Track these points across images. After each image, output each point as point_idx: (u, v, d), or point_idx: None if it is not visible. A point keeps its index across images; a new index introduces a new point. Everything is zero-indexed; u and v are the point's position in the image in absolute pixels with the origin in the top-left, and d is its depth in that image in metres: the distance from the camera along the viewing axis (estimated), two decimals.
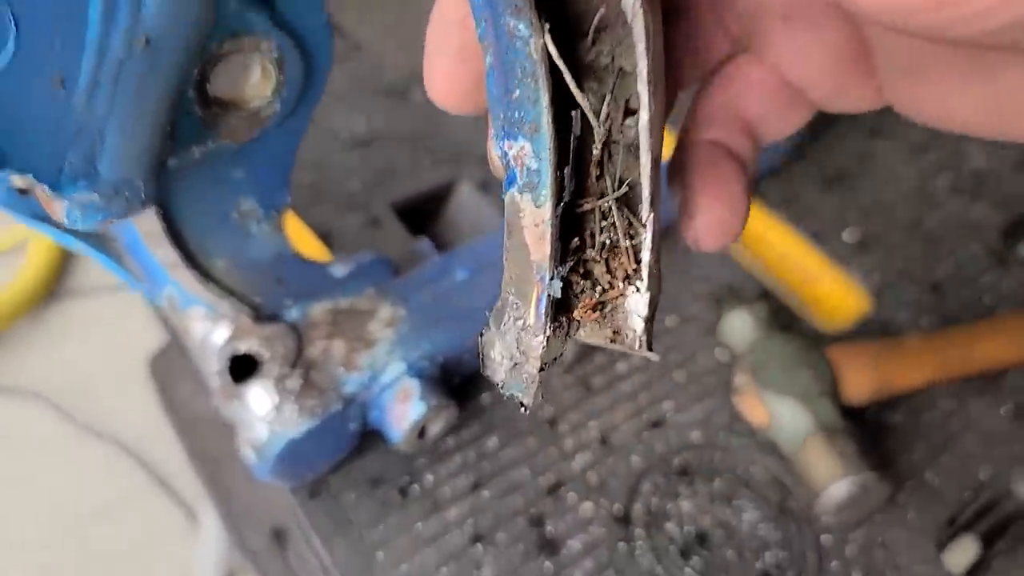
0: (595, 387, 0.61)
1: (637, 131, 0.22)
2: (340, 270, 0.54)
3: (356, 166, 0.71)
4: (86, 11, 0.30)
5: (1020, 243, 0.77)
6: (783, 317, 0.66)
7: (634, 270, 0.23)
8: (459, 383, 0.58)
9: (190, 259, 0.46)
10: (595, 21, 0.21)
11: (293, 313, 0.53)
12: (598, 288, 0.23)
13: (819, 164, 0.81)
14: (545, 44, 0.20)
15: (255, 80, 0.41)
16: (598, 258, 0.23)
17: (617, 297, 0.23)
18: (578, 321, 0.23)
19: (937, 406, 0.63)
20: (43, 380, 1.38)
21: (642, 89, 0.21)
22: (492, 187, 0.71)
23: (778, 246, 0.73)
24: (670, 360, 0.63)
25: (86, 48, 0.31)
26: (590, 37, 0.21)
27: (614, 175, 0.23)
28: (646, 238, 0.22)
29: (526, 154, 0.21)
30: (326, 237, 0.65)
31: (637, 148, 0.22)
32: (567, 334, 0.23)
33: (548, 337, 0.23)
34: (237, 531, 0.75)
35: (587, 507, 0.55)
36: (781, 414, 0.57)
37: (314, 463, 0.52)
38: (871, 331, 0.67)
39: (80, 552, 1.25)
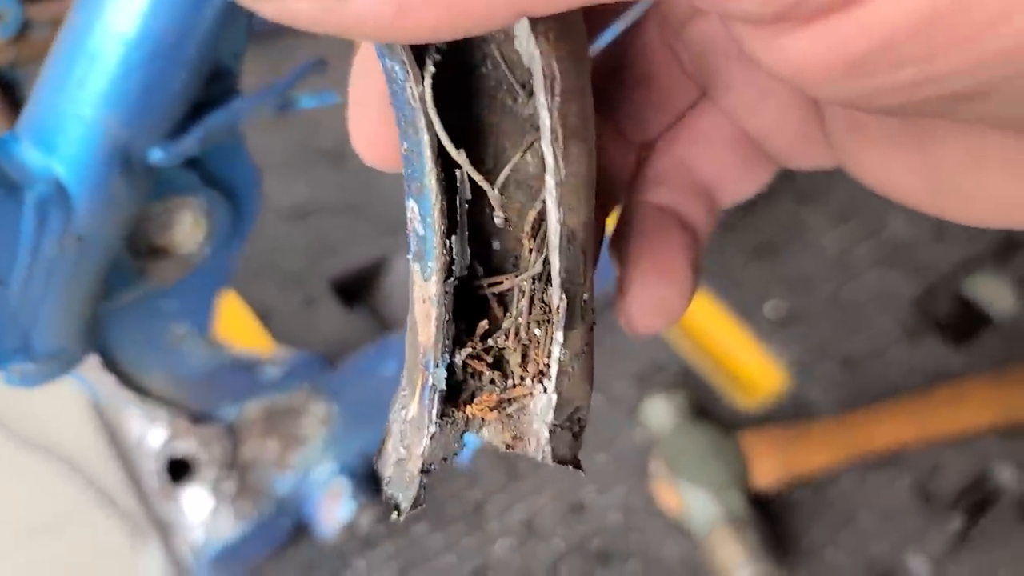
0: (521, 471, 0.64)
1: (543, 199, 0.18)
2: (275, 370, 0.56)
3: (293, 240, 0.73)
4: (19, 223, 0.32)
5: (929, 312, 0.82)
6: (703, 396, 0.70)
7: (546, 365, 0.19)
8: None
9: (125, 382, 0.48)
10: (502, 68, 0.18)
11: (228, 413, 0.55)
12: (509, 382, 0.20)
13: (747, 232, 0.85)
14: (424, 89, 0.17)
15: (186, 230, 0.42)
16: (514, 346, 0.20)
17: (525, 396, 0.19)
18: (477, 418, 0.20)
19: (840, 484, 0.68)
20: None
21: (546, 148, 0.17)
22: None
23: (702, 321, 0.77)
24: (594, 441, 0.67)
25: (19, 252, 0.33)
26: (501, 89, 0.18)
27: (544, 251, 0.19)
28: (557, 327, 0.19)
29: (415, 217, 0.18)
30: (264, 316, 0.67)
31: (545, 218, 0.19)
32: (462, 432, 0.20)
33: (433, 434, 0.19)
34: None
35: None
36: (692, 502, 0.61)
37: (249, 557, 0.55)
38: (785, 409, 0.71)
39: (24, 569, 1.26)
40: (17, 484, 1.31)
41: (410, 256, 0.19)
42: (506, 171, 0.19)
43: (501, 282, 0.20)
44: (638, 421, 0.68)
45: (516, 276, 0.19)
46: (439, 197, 0.18)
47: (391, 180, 0.88)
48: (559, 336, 0.19)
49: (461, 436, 0.20)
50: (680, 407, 0.66)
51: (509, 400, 0.20)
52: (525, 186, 0.19)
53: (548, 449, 0.19)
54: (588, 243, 0.19)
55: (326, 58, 0.42)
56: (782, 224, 0.86)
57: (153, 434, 0.53)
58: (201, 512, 0.52)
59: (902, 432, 0.70)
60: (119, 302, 0.43)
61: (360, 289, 0.72)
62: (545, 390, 0.19)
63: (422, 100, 0.17)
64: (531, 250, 0.19)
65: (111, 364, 0.46)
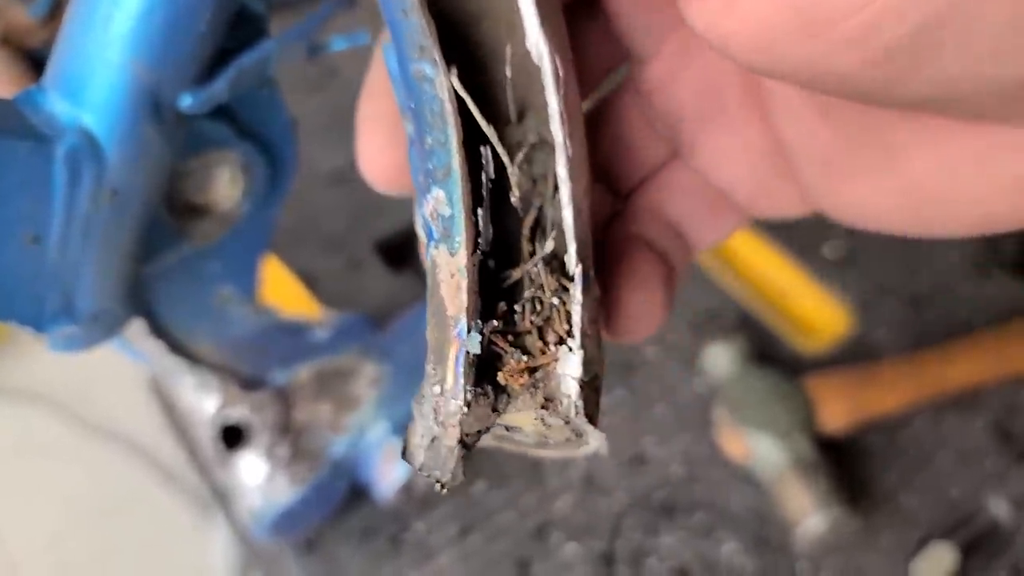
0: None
1: (557, 179, 0.20)
2: (323, 333, 0.55)
3: (336, 204, 0.72)
4: (52, 177, 0.31)
5: (1001, 247, 0.78)
6: (763, 342, 0.67)
7: (567, 331, 0.20)
8: None
9: (175, 348, 0.47)
10: (508, 65, 0.20)
11: (279, 378, 0.54)
12: (528, 356, 0.21)
13: None
14: (451, 80, 0.19)
15: (223, 186, 0.41)
16: (530, 328, 0.21)
17: (550, 363, 0.20)
18: (506, 391, 0.21)
19: (913, 427, 0.65)
20: (50, 382, 1.41)
21: (555, 129, 0.19)
22: None
23: (758, 265, 0.74)
24: (651, 393, 0.65)
25: (54, 208, 0.32)
26: (508, 84, 0.20)
27: (543, 237, 0.21)
28: (575, 291, 0.20)
29: (440, 202, 0.20)
30: (309, 281, 0.66)
31: (556, 196, 0.20)
32: (494, 406, 0.21)
33: (469, 402, 0.20)
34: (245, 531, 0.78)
35: (572, 548, 0.57)
36: (759, 449, 0.59)
37: (307, 522, 0.55)
38: (850, 352, 0.68)
39: (94, 551, 1.29)
40: (83, 468, 1.34)
41: (432, 244, 0.20)
42: (524, 150, 0.20)
43: (511, 275, 0.21)
44: (697, 370, 0.66)
45: (524, 265, 0.21)
46: (466, 177, 0.19)
47: None
48: (578, 297, 0.20)
49: (493, 409, 0.21)
50: (741, 353, 0.64)
51: (535, 368, 0.21)
52: (528, 187, 0.21)
53: (580, 404, 0.20)
54: (590, 219, 0.21)
55: None
56: None
57: (206, 402, 0.53)
58: (257, 478, 0.51)
59: (976, 371, 0.66)
60: (161, 264, 0.42)
61: (405, 250, 0.71)
62: (570, 349, 0.20)
63: (450, 88, 0.19)
64: (532, 252, 0.21)
65: (159, 329, 0.45)
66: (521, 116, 0.21)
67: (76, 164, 0.31)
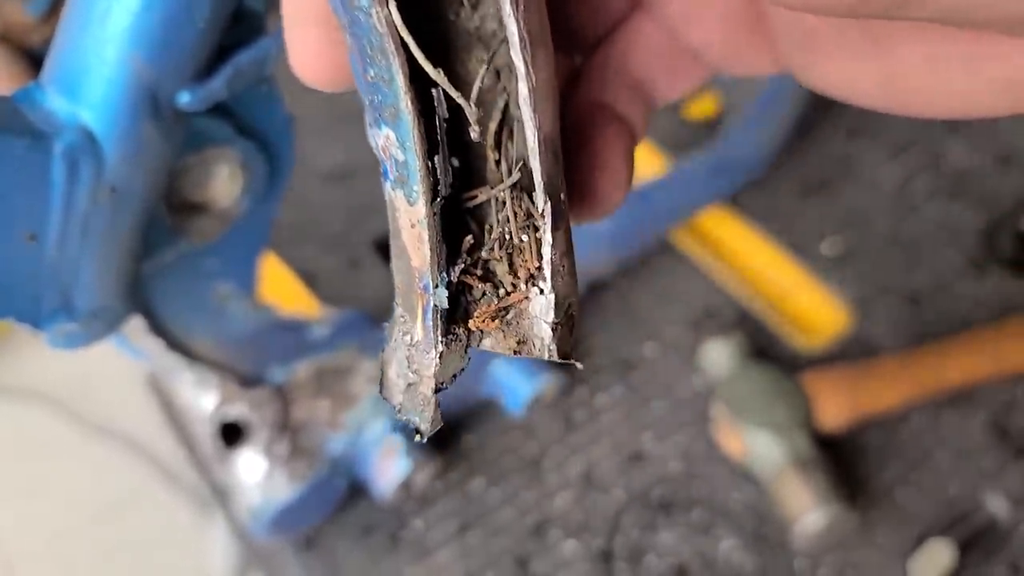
0: (577, 421, 0.63)
1: (517, 108, 0.19)
2: (321, 330, 0.55)
3: (335, 201, 0.72)
4: (50, 174, 0.31)
5: (998, 245, 0.78)
6: (761, 340, 0.67)
7: (537, 268, 0.20)
8: (443, 427, 0.59)
9: (173, 345, 0.47)
10: None
11: (278, 375, 0.54)
12: (500, 291, 0.20)
13: (798, 171, 0.82)
14: (389, 12, 0.17)
15: (222, 183, 0.41)
16: (499, 256, 0.20)
17: (521, 301, 0.20)
18: (479, 331, 0.20)
19: (910, 424, 0.65)
20: (49, 381, 1.40)
21: (515, 56, 0.18)
22: None
23: (756, 262, 0.74)
24: (650, 390, 0.65)
25: (52, 206, 0.32)
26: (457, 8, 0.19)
27: (511, 159, 0.20)
28: (544, 230, 0.19)
29: (391, 143, 0.18)
30: (307, 278, 0.66)
31: (519, 128, 0.19)
32: (466, 347, 0.21)
33: (441, 353, 0.20)
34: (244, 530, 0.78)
35: (570, 545, 0.57)
36: (757, 446, 0.59)
37: (305, 519, 0.55)
38: (848, 349, 0.68)
39: (92, 549, 1.29)
40: (81, 466, 1.34)
41: (389, 183, 0.19)
42: (478, 83, 0.19)
43: (476, 196, 0.20)
44: (695, 367, 0.66)
45: (492, 188, 0.20)
46: (417, 119, 0.18)
47: None
48: (548, 237, 0.19)
49: (466, 351, 0.21)
50: (739, 350, 0.64)
51: (506, 308, 0.20)
52: (488, 98, 0.20)
53: (554, 347, 0.19)
54: (559, 146, 0.20)
55: None
56: (835, 159, 0.83)
57: (204, 400, 0.53)
58: (256, 476, 0.51)
59: (973, 368, 0.66)
60: (160, 261, 0.42)
61: None
62: (541, 291, 0.19)
63: (390, 24, 0.17)
64: (498, 161, 0.20)
65: (157, 327, 0.45)
66: (471, 43, 0.19)
67: (74, 161, 0.31)
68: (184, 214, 0.41)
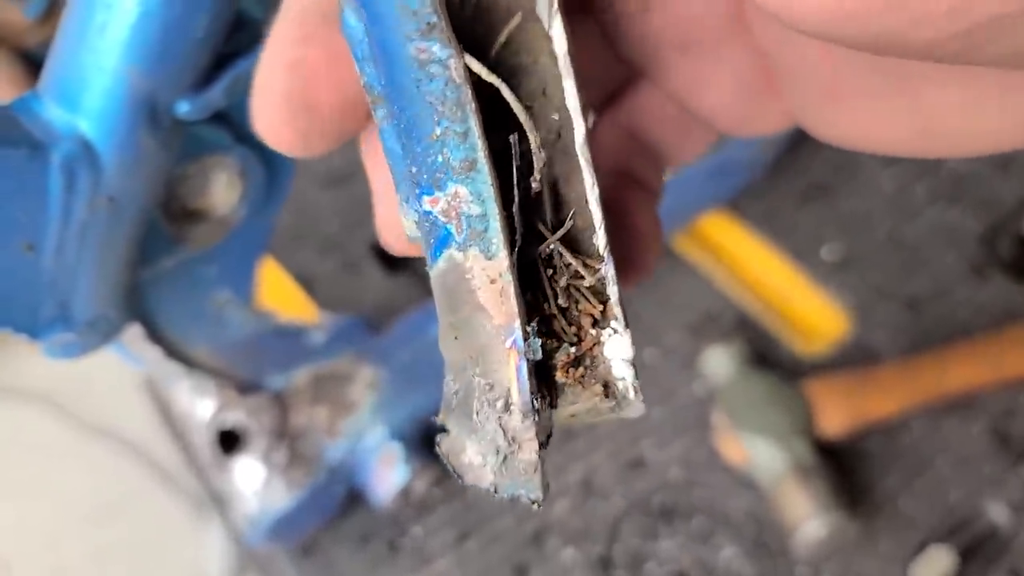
0: (576, 429, 0.63)
1: (568, 156, 0.19)
2: (319, 336, 0.55)
3: (333, 206, 0.71)
4: (47, 184, 0.31)
5: (998, 250, 0.78)
6: (761, 346, 0.67)
7: (601, 312, 0.20)
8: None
9: (171, 353, 0.47)
10: (506, 31, 0.19)
11: (276, 382, 0.54)
12: (565, 344, 0.20)
13: (799, 176, 0.82)
14: (466, 64, 0.17)
15: (220, 191, 0.41)
16: (555, 312, 0.20)
17: (592, 347, 0.20)
18: (560, 386, 0.20)
19: (911, 431, 0.65)
20: (45, 381, 1.40)
21: (571, 103, 0.19)
22: None
23: (757, 268, 0.74)
24: (649, 396, 0.64)
25: (50, 216, 0.31)
26: (493, 52, 0.19)
27: (550, 213, 0.20)
28: (607, 270, 0.19)
29: (462, 200, 0.18)
30: (306, 283, 0.66)
31: (572, 175, 0.19)
32: (551, 405, 0.20)
33: (539, 410, 0.19)
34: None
35: (569, 553, 0.57)
36: (757, 453, 0.59)
37: (303, 527, 0.54)
38: (848, 355, 0.68)
39: (89, 551, 1.29)
40: (80, 468, 1.34)
41: (454, 247, 0.18)
42: (540, 133, 0.19)
43: (530, 251, 0.20)
44: (696, 373, 0.66)
45: (542, 242, 0.20)
46: (492, 171, 0.18)
47: None
48: (612, 274, 0.19)
49: (551, 410, 0.20)
50: (739, 356, 0.63)
51: (579, 359, 0.20)
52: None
53: (638, 385, 0.19)
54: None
55: None
56: (835, 164, 0.83)
57: (202, 406, 0.52)
58: (254, 483, 0.51)
59: (974, 374, 0.66)
60: (158, 269, 0.41)
61: None
62: (615, 331, 0.19)
63: (467, 75, 0.17)
64: (543, 216, 0.20)
65: (155, 334, 0.45)
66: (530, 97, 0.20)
67: (72, 171, 0.31)
68: (182, 222, 0.41)
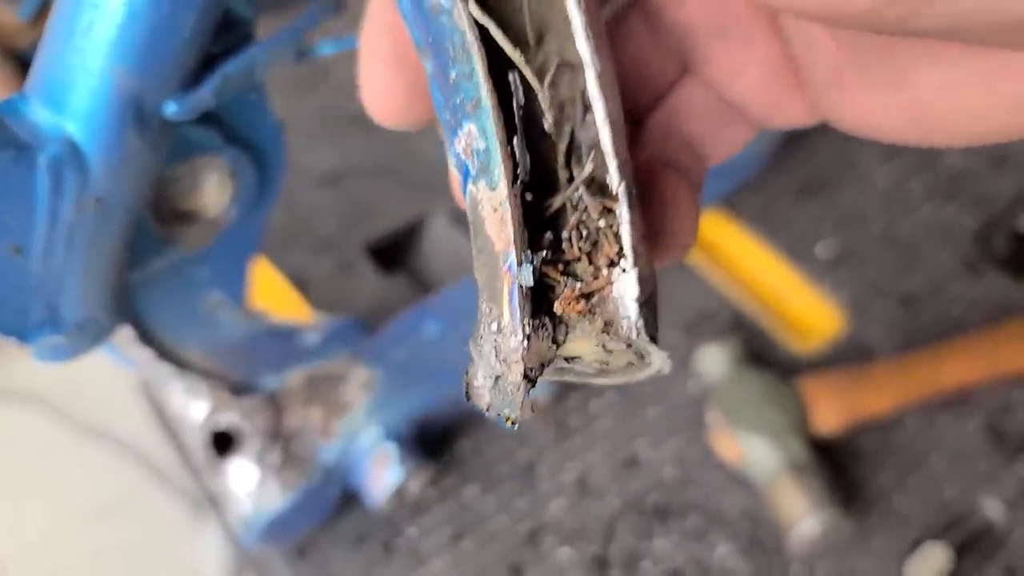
0: (571, 427, 0.62)
1: (587, 98, 0.20)
2: (313, 337, 0.55)
3: (327, 205, 0.71)
4: (34, 186, 0.30)
5: (994, 246, 0.78)
6: (756, 343, 0.67)
7: (617, 253, 0.20)
8: (436, 434, 0.59)
9: (163, 354, 0.47)
10: None
11: (269, 383, 0.54)
12: (581, 284, 0.20)
13: (794, 172, 0.81)
14: (469, 9, 0.19)
15: (211, 192, 0.41)
16: (579, 255, 0.20)
17: (604, 287, 0.20)
18: (563, 320, 0.20)
19: (906, 428, 0.65)
20: (40, 383, 1.40)
21: (581, 46, 0.19)
22: (465, 219, 0.72)
23: (751, 265, 0.74)
24: (644, 395, 0.65)
25: (37, 218, 0.31)
26: (525, 5, 0.20)
27: (579, 161, 0.21)
28: (622, 212, 0.20)
29: (473, 136, 0.19)
30: (299, 284, 0.66)
31: (586, 115, 0.20)
32: (552, 337, 0.20)
33: (528, 336, 0.19)
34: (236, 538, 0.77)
35: (565, 552, 0.57)
36: (752, 451, 0.59)
37: (298, 529, 0.54)
38: (843, 352, 0.68)
39: (84, 553, 1.29)
40: (75, 469, 1.33)
41: (470, 182, 0.20)
42: (552, 69, 0.20)
43: (551, 204, 0.20)
44: (690, 371, 0.66)
45: (565, 191, 0.20)
46: (496, 107, 0.19)
47: (424, 142, 0.86)
48: (626, 215, 0.20)
49: (552, 340, 0.20)
50: (734, 354, 0.63)
51: (590, 294, 0.20)
52: (563, 101, 0.21)
53: (640, 324, 0.20)
54: (625, 134, 0.21)
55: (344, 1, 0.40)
56: (829, 161, 0.83)
57: (195, 408, 0.52)
58: (248, 484, 0.51)
59: (968, 371, 0.66)
60: (149, 271, 0.41)
61: (396, 252, 0.71)
62: (624, 270, 0.20)
63: (470, 17, 0.19)
64: (568, 161, 0.21)
65: (146, 336, 0.45)
66: (540, 39, 0.20)
67: (59, 173, 0.31)
68: (173, 223, 0.40)
